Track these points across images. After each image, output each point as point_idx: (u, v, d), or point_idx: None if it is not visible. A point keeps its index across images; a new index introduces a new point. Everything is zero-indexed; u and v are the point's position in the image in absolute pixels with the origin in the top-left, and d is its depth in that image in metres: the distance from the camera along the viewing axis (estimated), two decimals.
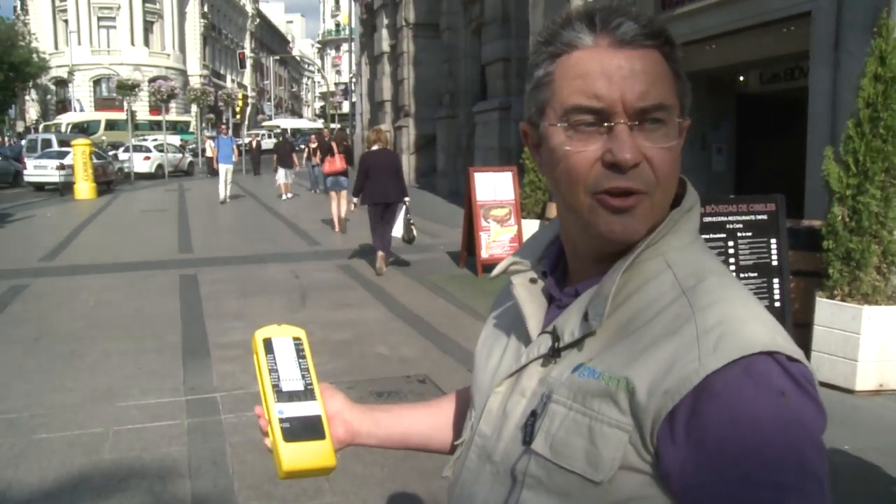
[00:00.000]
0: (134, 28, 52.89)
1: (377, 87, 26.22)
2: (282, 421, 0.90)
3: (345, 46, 73.23)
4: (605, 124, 0.77)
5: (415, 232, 9.18)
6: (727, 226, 4.11)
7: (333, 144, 13.35)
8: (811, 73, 6.95)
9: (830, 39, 6.56)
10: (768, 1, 7.48)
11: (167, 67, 52.90)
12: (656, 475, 0.73)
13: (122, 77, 34.78)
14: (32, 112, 53.16)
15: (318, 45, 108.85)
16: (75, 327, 6.45)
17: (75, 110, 44.89)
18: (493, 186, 9.01)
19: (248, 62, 68.01)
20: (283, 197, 18.64)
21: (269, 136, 44.49)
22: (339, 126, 36.94)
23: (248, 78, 73.27)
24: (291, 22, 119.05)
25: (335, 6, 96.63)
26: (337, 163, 13.01)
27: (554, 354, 0.83)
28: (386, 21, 24.68)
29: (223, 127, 21.56)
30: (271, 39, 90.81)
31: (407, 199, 9.09)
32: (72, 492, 3.45)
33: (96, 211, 16.56)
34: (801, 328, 4.78)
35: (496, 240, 8.84)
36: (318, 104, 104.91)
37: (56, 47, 51.87)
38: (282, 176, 18.94)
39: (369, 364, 5.40)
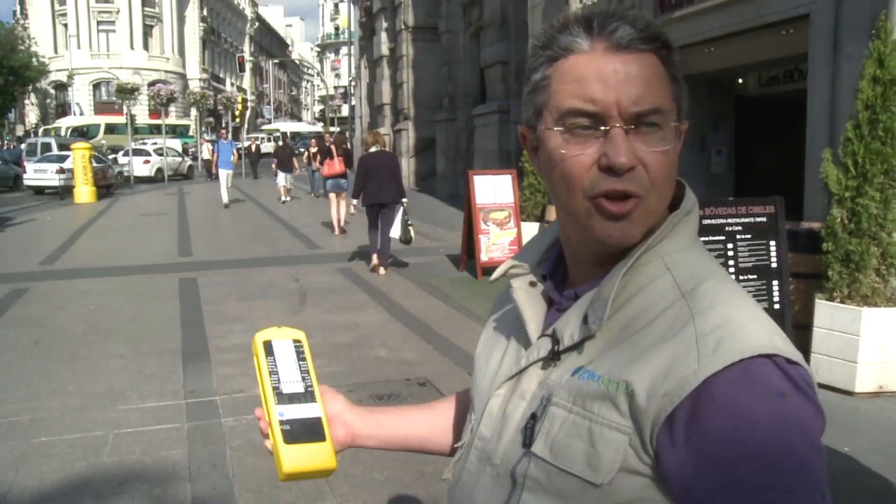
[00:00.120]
0: (133, 32, 52.93)
1: (376, 90, 26.26)
2: (282, 423, 0.91)
3: (344, 50, 73.48)
4: (601, 128, 0.77)
5: (412, 233, 9.21)
6: (726, 228, 4.12)
7: (332, 147, 13.38)
8: (810, 75, 6.96)
9: (829, 42, 6.57)
10: (767, 3, 7.49)
11: (166, 71, 52.95)
12: (656, 477, 0.73)
13: (121, 81, 34.85)
14: (32, 116, 53.21)
15: (318, 49, 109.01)
16: (75, 331, 6.44)
17: (75, 114, 44.86)
18: (493, 189, 9.02)
19: (248, 66, 68.19)
20: (283, 200, 18.70)
21: (269, 140, 44.44)
22: (338, 129, 36.99)
23: (247, 81, 73.41)
24: (291, 25, 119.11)
25: (334, 10, 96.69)
26: (336, 166, 13.05)
27: (554, 357, 0.83)
28: (385, 24, 24.72)
29: (223, 132, 21.53)
30: (270, 43, 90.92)
31: (405, 200, 9.13)
32: (72, 495, 3.45)
33: (96, 215, 16.56)
34: (800, 330, 4.78)
35: (496, 243, 8.84)
36: (318, 108, 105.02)
37: (55, 51, 51.94)
38: (282, 179, 19.05)
39: (369, 367, 5.40)
